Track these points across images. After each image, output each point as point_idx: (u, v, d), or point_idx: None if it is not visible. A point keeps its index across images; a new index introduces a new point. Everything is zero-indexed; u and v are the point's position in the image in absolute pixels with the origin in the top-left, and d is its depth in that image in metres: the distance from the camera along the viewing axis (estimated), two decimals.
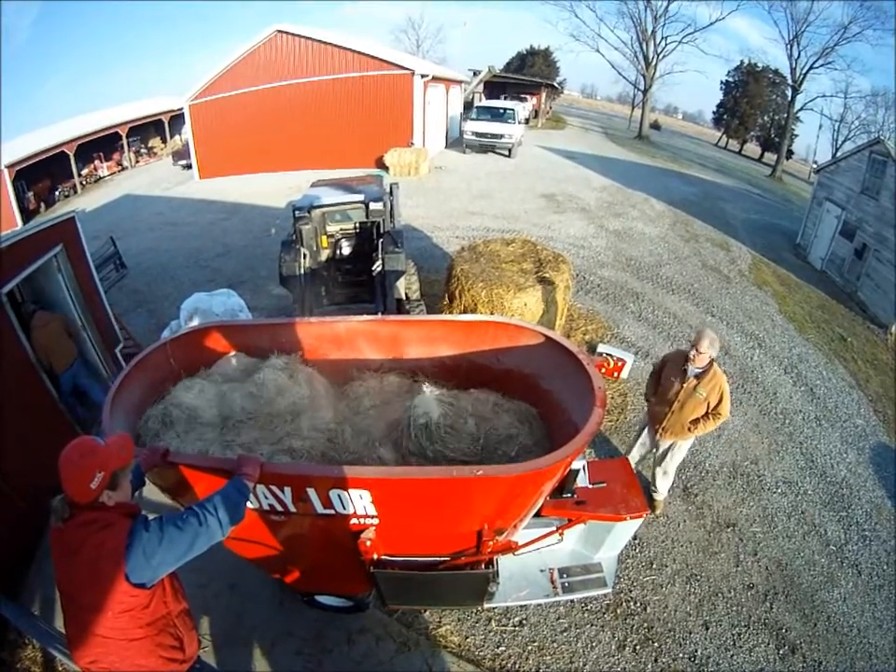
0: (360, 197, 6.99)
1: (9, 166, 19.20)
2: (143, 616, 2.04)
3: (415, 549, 2.71)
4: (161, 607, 2.12)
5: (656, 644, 3.91)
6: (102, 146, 25.12)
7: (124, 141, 26.50)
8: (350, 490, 2.33)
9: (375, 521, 2.51)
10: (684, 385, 4.16)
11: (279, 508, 2.51)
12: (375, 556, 2.66)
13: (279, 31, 18.17)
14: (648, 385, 4.65)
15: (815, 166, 22.23)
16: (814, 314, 10.28)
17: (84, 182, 24.34)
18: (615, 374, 6.74)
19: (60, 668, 3.53)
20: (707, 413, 4.20)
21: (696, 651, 3.90)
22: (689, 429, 4.28)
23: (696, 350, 3.98)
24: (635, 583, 4.31)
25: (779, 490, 5.55)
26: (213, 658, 3.58)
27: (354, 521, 2.51)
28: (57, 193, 22.83)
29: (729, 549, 4.77)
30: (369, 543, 2.56)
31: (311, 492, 2.39)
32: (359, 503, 2.40)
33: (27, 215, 19.91)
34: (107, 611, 1.95)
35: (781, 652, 4.01)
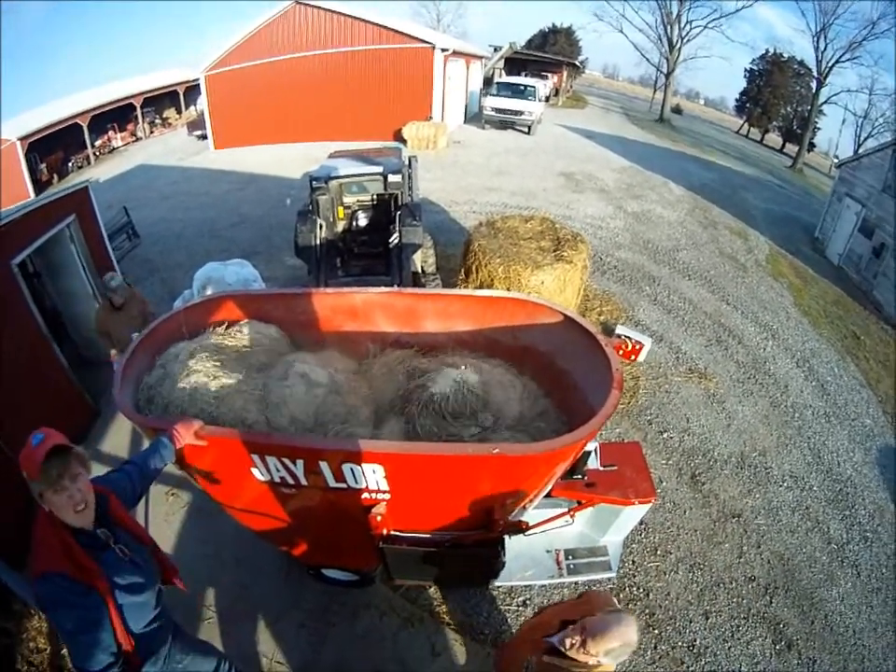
0: (379, 169, 6.90)
1: (22, 138, 19.09)
2: None
3: (426, 525, 2.71)
4: None
5: (657, 631, 3.94)
6: (116, 117, 24.95)
7: (138, 112, 26.31)
8: (363, 464, 2.32)
9: (387, 496, 2.50)
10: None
11: (290, 480, 2.51)
12: (385, 531, 2.65)
13: (297, 2, 17.82)
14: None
15: (836, 161, 21.71)
16: (829, 309, 10.14)
17: (98, 153, 24.19)
18: (632, 357, 6.70)
19: None
20: None
21: (695, 641, 3.93)
22: None
23: (585, 647, 1.88)
24: (639, 568, 4.33)
25: (785, 484, 5.54)
26: (217, 631, 3.64)
27: (365, 495, 2.51)
28: (70, 164, 22.69)
29: (733, 539, 4.79)
30: (379, 518, 2.55)
31: (323, 465, 2.37)
32: (372, 478, 2.39)
33: (40, 186, 19.83)
34: None
35: (777, 647, 4.04)
